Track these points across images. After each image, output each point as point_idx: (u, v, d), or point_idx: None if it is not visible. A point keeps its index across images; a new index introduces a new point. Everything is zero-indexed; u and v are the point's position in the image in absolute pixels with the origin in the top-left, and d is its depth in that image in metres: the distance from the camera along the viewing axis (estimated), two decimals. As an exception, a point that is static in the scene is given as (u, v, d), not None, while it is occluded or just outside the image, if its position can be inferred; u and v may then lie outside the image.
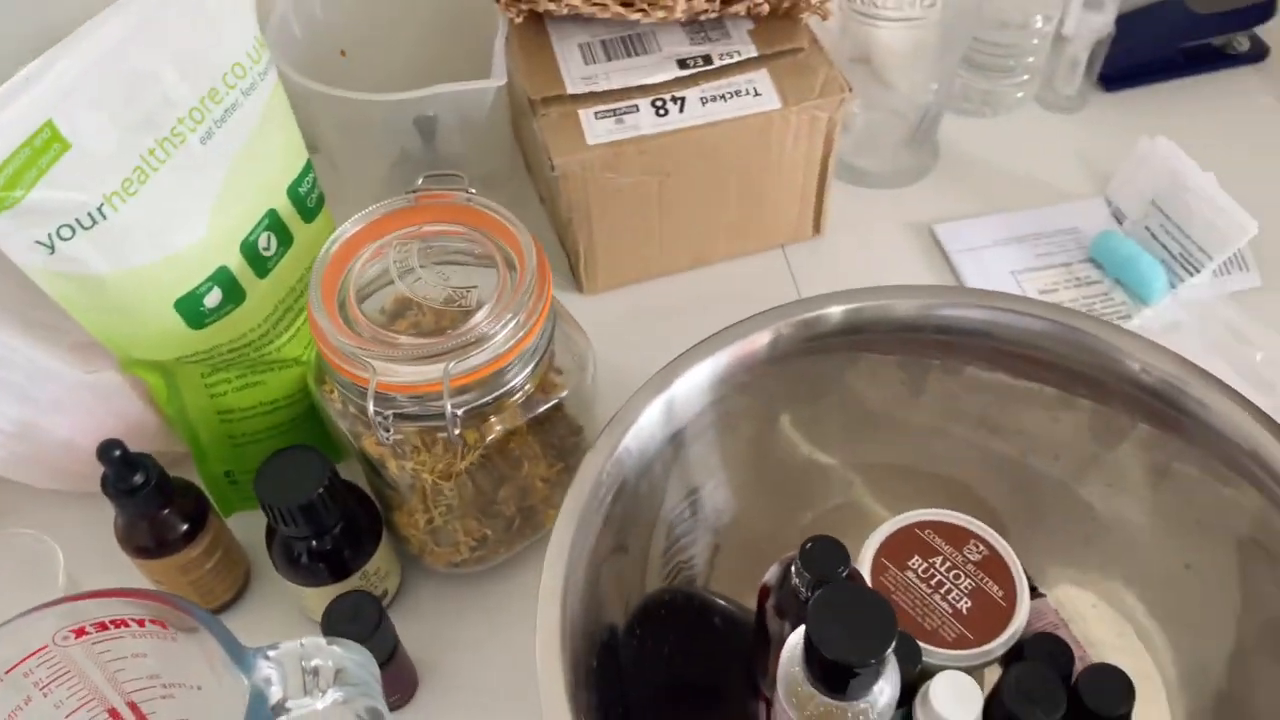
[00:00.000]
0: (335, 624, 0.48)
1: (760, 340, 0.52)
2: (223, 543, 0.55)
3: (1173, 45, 0.81)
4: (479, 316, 0.47)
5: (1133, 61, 0.81)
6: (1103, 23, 0.76)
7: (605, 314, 0.70)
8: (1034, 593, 0.53)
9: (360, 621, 0.48)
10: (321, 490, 0.49)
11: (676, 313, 0.65)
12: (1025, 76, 0.80)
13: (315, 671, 0.42)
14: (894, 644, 0.38)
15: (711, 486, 0.56)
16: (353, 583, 0.53)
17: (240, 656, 0.42)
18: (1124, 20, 0.78)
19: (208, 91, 0.46)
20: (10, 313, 0.50)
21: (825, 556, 0.45)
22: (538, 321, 0.48)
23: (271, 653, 0.42)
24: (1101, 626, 0.55)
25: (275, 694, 0.41)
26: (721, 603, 0.56)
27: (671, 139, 0.62)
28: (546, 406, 0.52)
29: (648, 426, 0.50)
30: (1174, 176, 0.69)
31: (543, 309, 0.49)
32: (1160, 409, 0.51)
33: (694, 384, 0.51)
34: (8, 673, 0.44)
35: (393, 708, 0.54)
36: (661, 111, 0.62)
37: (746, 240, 0.71)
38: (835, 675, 0.39)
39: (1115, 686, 0.45)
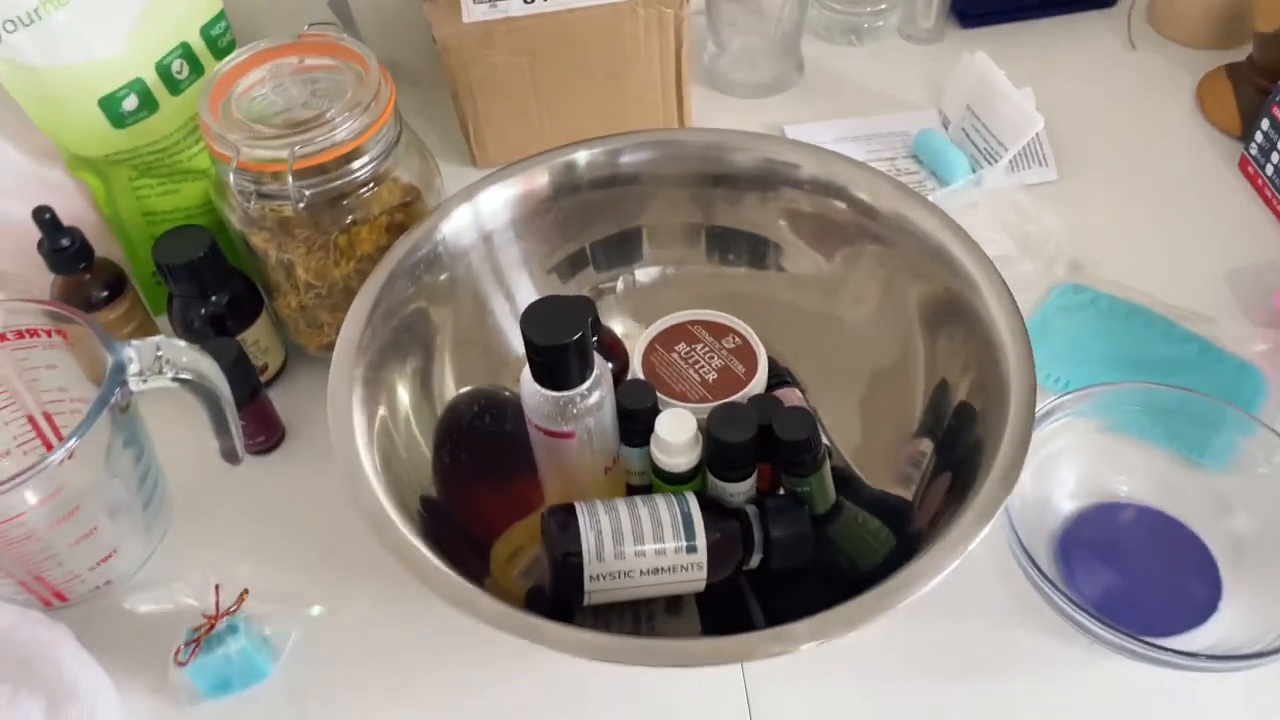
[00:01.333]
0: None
1: (539, 179, 0.65)
2: (138, 316, 0.69)
3: (1022, -13, 0.92)
4: (329, 113, 0.60)
5: (985, 0, 0.92)
6: (947, -41, 0.87)
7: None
8: (786, 384, 0.64)
9: (221, 356, 0.61)
10: (203, 254, 0.62)
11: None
12: (884, 5, 0.91)
13: (168, 358, 0.55)
14: (583, 331, 0.50)
15: (525, 289, 0.67)
16: None
17: (110, 344, 0.55)
18: (979, -38, 0.90)
19: (133, -65, 0.61)
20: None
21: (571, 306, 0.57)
22: (378, 122, 0.61)
23: (135, 343, 0.55)
24: (841, 410, 0.65)
25: (134, 369, 0.54)
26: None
27: (536, 21, 0.74)
28: (389, 207, 0.64)
29: (459, 221, 0.63)
30: (984, 83, 0.80)
31: (383, 113, 0.61)
32: (881, 230, 0.63)
33: (495, 200, 0.64)
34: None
35: (259, 449, 0.67)
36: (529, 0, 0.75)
37: (618, 128, 0.83)
38: (544, 360, 0.51)
39: (800, 420, 0.56)
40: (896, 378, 0.63)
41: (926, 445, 0.60)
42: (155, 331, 0.70)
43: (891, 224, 0.62)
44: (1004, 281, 0.57)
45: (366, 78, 0.62)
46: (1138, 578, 0.59)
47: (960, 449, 0.56)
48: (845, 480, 0.62)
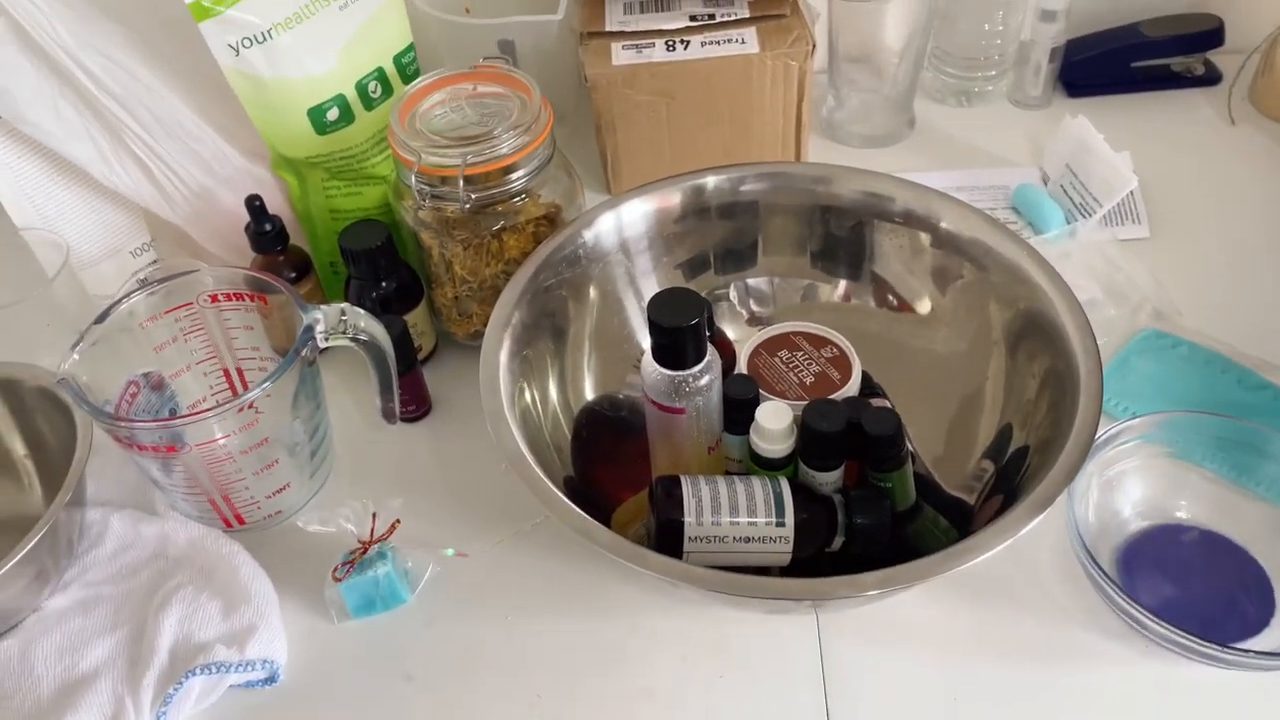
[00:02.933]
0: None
1: (672, 198, 0.75)
2: (318, 297, 0.80)
3: (1126, 62, 0.99)
4: (495, 131, 0.71)
5: (1092, 72, 0.99)
6: (1056, 31, 0.94)
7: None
8: (876, 396, 0.71)
9: (392, 327, 0.71)
10: (380, 243, 0.73)
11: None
12: (993, 72, 0.99)
13: (350, 321, 0.66)
14: (700, 317, 0.58)
15: (652, 290, 0.76)
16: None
17: (304, 306, 0.66)
18: (1090, 36, 0.97)
19: (349, -23, 0.73)
20: (204, 112, 0.77)
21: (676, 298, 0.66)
22: (536, 141, 0.71)
23: (323, 307, 0.66)
24: (927, 419, 0.72)
25: (321, 328, 0.65)
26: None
27: (675, 67, 0.84)
28: (538, 214, 0.74)
29: (601, 227, 0.72)
30: (1082, 143, 0.86)
31: (541, 134, 0.72)
32: (976, 257, 0.70)
33: (636, 211, 0.74)
34: (167, 313, 0.69)
35: (410, 417, 0.77)
36: (670, 48, 0.85)
37: (741, 167, 0.93)
38: (664, 340, 0.60)
39: (886, 417, 0.63)
40: (976, 396, 0.70)
41: (993, 460, 0.66)
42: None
43: (979, 252, 0.70)
44: (1078, 301, 0.64)
45: (529, 104, 0.73)
46: (1194, 592, 0.64)
47: (1028, 458, 0.62)
48: (923, 484, 0.68)
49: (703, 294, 0.77)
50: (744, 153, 0.92)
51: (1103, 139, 0.86)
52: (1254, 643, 0.60)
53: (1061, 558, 0.64)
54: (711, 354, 0.62)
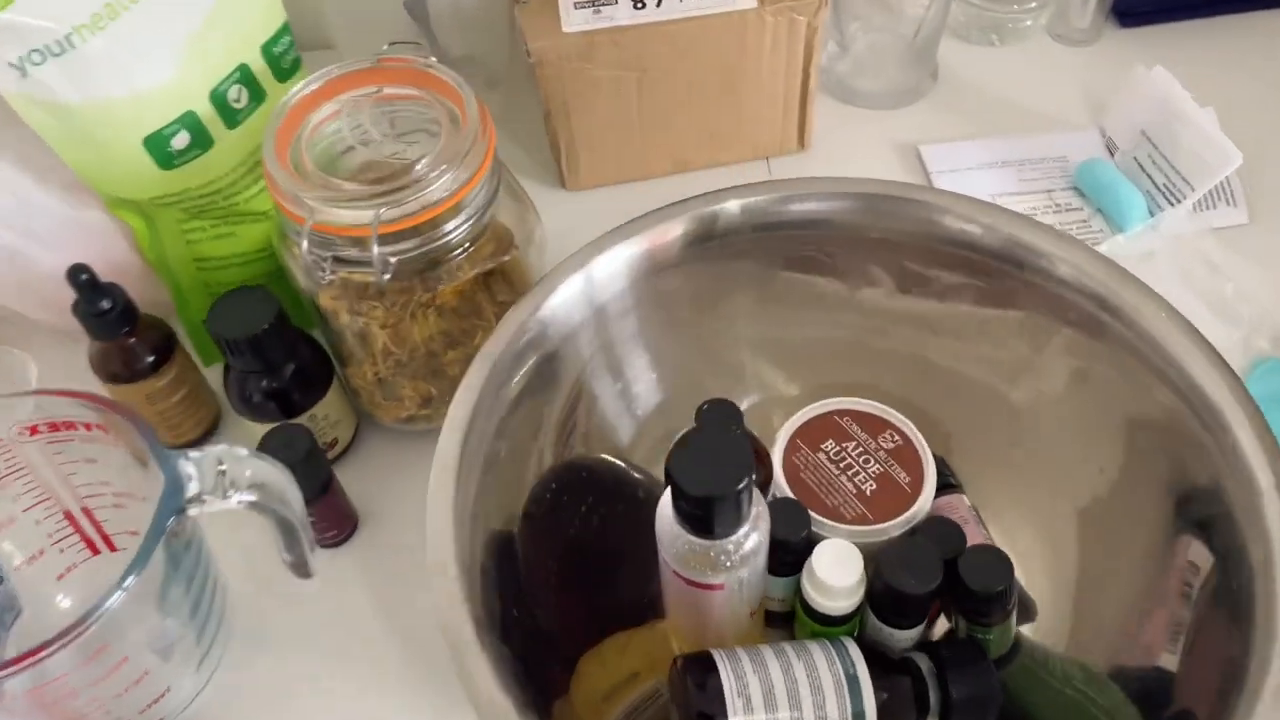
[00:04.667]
0: (269, 451, 0.52)
1: (672, 231, 0.54)
2: (190, 381, 0.59)
3: (1193, -19, 0.80)
4: (420, 166, 0.50)
5: (1151, -4, 0.79)
6: (1115, -49, 0.75)
7: (585, 211, 0.72)
8: (950, 488, 0.54)
9: (291, 449, 0.51)
10: (267, 325, 0.52)
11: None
12: (1034, 4, 0.79)
13: (230, 474, 0.46)
14: (748, 479, 0.40)
15: (640, 368, 0.57)
16: (301, 423, 0.56)
17: (162, 454, 0.45)
18: (1145, -47, 0.77)
19: (183, -59, 0.50)
20: (7, 147, 0.54)
21: (718, 412, 0.47)
22: (476, 175, 0.51)
23: (193, 453, 0.46)
24: (1019, 529, 0.55)
25: (192, 488, 0.45)
26: (638, 475, 0.58)
27: (646, 32, 0.63)
28: (485, 268, 0.54)
29: (569, 295, 0.52)
30: (1165, 106, 0.68)
31: (482, 164, 0.51)
32: (1088, 312, 0.52)
33: (613, 264, 0.54)
34: (-36, 457, 0.48)
35: (331, 543, 0.57)
36: (639, 4, 0.63)
37: (729, 149, 0.72)
38: (696, 510, 0.41)
39: (994, 564, 0.46)
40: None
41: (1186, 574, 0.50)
42: (210, 407, 0.61)
43: (1091, 307, 0.52)
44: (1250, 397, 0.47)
45: (463, 118, 0.52)
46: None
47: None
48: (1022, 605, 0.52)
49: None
50: (734, 134, 0.71)
51: (1190, 98, 0.68)
52: None
53: None
54: (758, 501, 0.43)
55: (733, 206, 0.55)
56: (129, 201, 0.56)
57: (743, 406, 0.59)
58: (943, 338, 0.57)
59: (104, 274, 0.54)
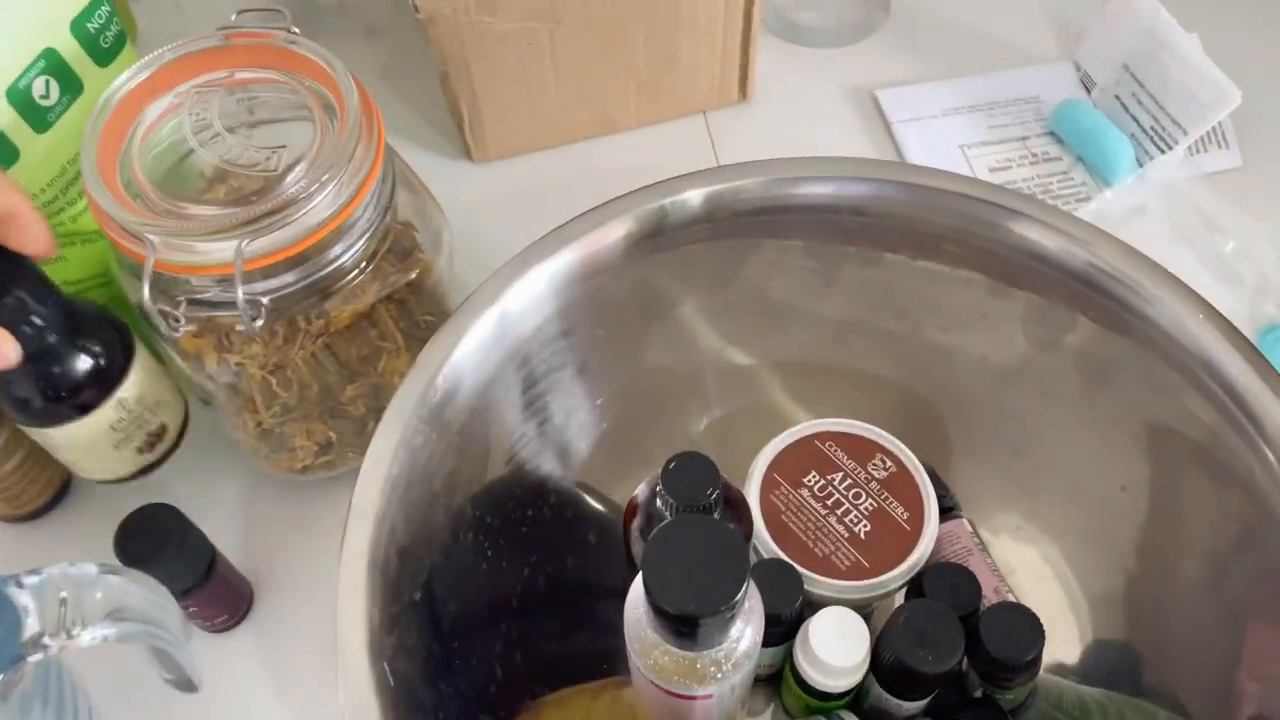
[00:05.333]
0: (131, 545, 0.41)
1: (612, 234, 0.44)
2: (25, 444, 0.48)
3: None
4: (291, 179, 0.39)
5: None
6: None
7: (498, 185, 0.63)
8: (948, 512, 0.47)
9: (158, 538, 0.41)
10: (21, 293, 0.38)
11: (579, 185, 0.56)
12: (993, -82, 0.69)
13: (77, 604, 0.36)
14: (744, 589, 0.32)
15: (579, 396, 0.48)
16: (106, 416, 0.43)
17: (-17, 586, 0.35)
18: None
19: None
20: None
21: (690, 476, 0.39)
22: (365, 183, 0.40)
23: (28, 580, 0.36)
24: (1024, 548, 0.48)
25: (31, 626, 0.35)
26: (593, 502, 0.49)
27: (560, -24, 0.52)
28: (390, 289, 0.44)
29: (481, 337, 0.42)
30: (1151, 36, 0.60)
31: (372, 168, 0.40)
32: (1104, 306, 0.44)
33: (533, 292, 0.44)
34: None
35: (221, 629, 0.48)
36: (548, -57, 0.52)
37: (661, 103, 0.62)
38: (679, 624, 0.33)
39: (1022, 629, 0.39)
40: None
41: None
42: (55, 469, 0.49)
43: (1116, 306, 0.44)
44: None
45: (340, 108, 0.41)
46: None
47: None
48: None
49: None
50: (668, 88, 0.61)
51: (1178, 27, 0.60)
52: None
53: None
54: (751, 596, 0.35)
55: (692, 197, 0.45)
56: (-81, 229, 0.44)
57: (702, 425, 0.51)
58: (932, 332, 0.49)
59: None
